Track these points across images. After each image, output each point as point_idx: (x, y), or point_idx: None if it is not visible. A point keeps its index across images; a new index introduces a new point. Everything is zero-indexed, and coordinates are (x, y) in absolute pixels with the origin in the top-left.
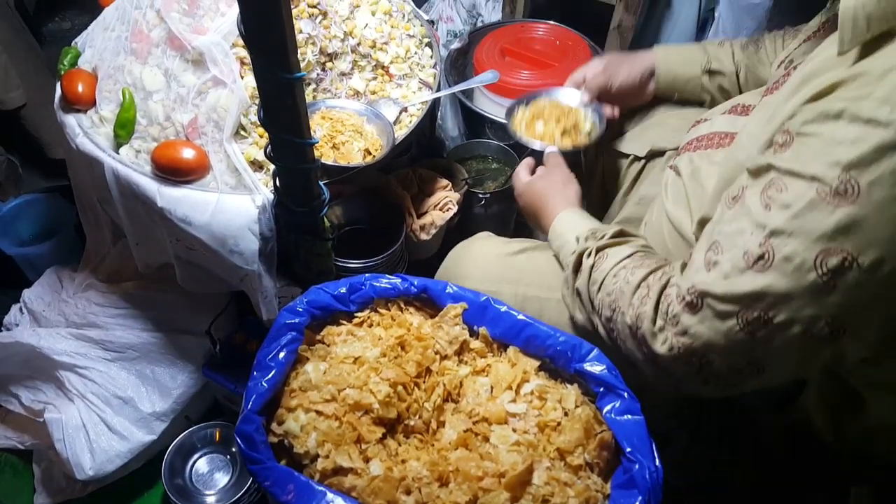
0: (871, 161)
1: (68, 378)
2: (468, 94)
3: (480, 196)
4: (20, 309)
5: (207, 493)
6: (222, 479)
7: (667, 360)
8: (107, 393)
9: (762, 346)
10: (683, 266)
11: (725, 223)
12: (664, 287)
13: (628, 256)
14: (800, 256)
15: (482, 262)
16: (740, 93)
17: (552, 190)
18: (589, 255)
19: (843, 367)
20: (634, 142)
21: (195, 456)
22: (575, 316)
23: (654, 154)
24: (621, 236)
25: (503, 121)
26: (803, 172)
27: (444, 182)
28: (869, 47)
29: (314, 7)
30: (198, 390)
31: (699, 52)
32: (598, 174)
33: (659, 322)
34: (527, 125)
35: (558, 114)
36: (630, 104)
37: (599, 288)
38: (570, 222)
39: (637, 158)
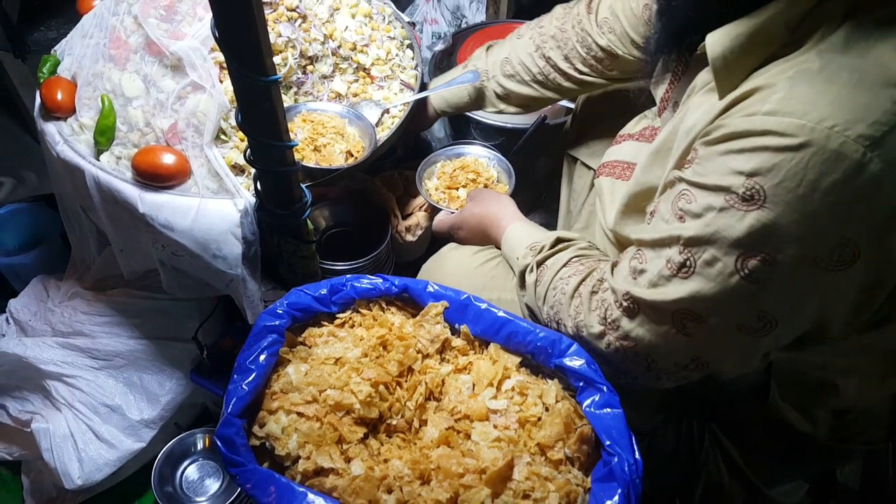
0: (773, 166)
1: (55, 387)
2: None
3: None
4: (6, 319)
5: (198, 499)
6: (213, 485)
7: (615, 361)
8: (94, 401)
9: (700, 344)
10: (613, 270)
11: (646, 233)
12: (594, 291)
13: (565, 265)
14: (720, 262)
15: (455, 273)
16: None
17: (491, 209)
18: (531, 270)
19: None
20: (583, 148)
21: (185, 463)
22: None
23: None
24: (558, 244)
25: (489, 122)
26: (709, 184)
27: None
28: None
29: (293, 11)
30: (186, 397)
31: (464, 97)
32: (567, 178)
33: (598, 327)
34: (450, 199)
35: (473, 173)
36: None
37: (544, 302)
38: (516, 237)
39: (585, 165)
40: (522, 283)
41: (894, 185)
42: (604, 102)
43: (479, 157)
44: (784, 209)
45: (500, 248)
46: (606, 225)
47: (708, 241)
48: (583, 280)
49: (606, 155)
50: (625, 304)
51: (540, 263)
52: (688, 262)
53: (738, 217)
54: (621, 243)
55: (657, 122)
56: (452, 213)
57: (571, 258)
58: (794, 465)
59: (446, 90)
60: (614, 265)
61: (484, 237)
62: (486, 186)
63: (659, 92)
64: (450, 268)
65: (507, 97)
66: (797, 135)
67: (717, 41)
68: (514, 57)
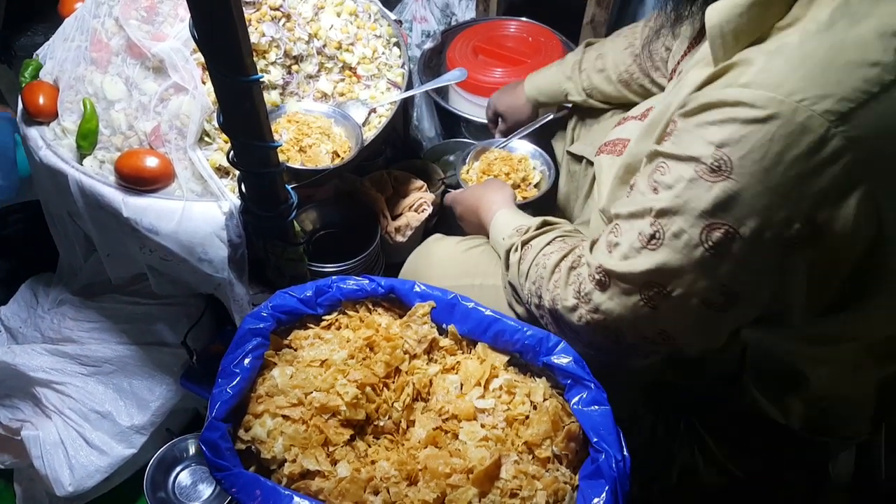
0: (740, 137)
1: (45, 394)
2: (443, 93)
3: None
4: None
5: None
6: (205, 490)
7: (587, 335)
8: (84, 408)
9: (666, 317)
10: (592, 245)
11: (623, 207)
12: (572, 267)
13: (549, 243)
14: (686, 233)
15: (440, 261)
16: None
17: (488, 194)
18: (515, 250)
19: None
20: (587, 145)
21: (177, 468)
22: (516, 309)
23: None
24: (544, 226)
25: (479, 120)
26: (682, 154)
27: (419, 183)
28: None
29: (276, 10)
30: (177, 402)
31: (556, 85)
32: (565, 177)
33: (573, 301)
34: (478, 179)
35: (508, 167)
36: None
37: (526, 278)
38: (503, 222)
39: (590, 162)
40: (507, 262)
41: (854, 162)
42: (605, 101)
43: (525, 155)
44: (748, 181)
45: (487, 231)
46: (600, 204)
47: (676, 212)
48: (564, 256)
49: (608, 136)
50: (597, 276)
51: (525, 243)
52: (657, 234)
53: (706, 188)
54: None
55: (654, 101)
56: None
57: (555, 237)
58: (771, 456)
59: (542, 79)
60: (594, 242)
61: (475, 216)
62: (515, 185)
63: (671, 63)
64: (435, 257)
65: (591, 92)
66: (766, 107)
67: (715, 11)
68: (609, 53)
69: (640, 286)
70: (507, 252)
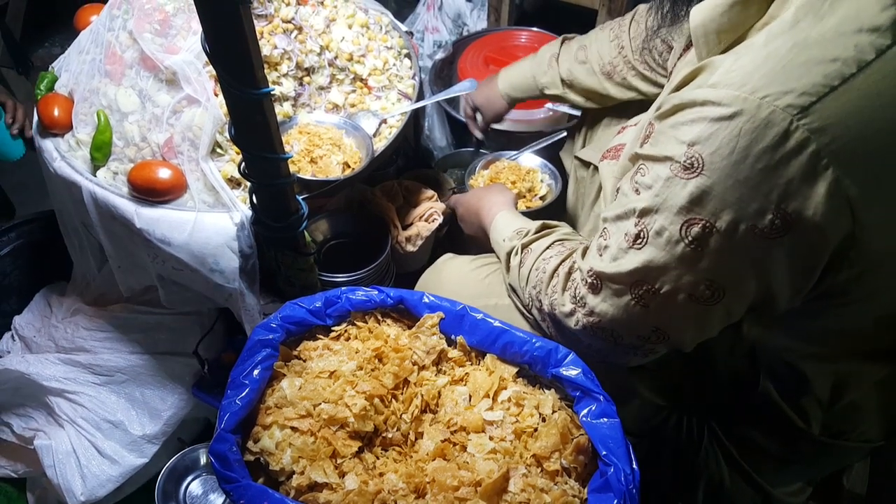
0: (710, 135)
1: (58, 404)
2: (454, 104)
3: None
4: (11, 336)
5: None
6: (217, 500)
7: (585, 338)
8: (96, 417)
9: (658, 314)
10: (584, 251)
11: (610, 211)
12: (569, 272)
13: (548, 247)
14: (668, 230)
15: (451, 283)
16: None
17: (489, 196)
18: (516, 253)
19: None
20: (596, 151)
21: (189, 478)
22: (523, 312)
23: None
24: (543, 230)
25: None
26: (658, 155)
27: (430, 193)
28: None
29: (288, 22)
30: (189, 412)
31: (530, 79)
32: (573, 184)
33: (570, 305)
34: (484, 185)
35: (515, 177)
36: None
37: (527, 283)
38: (503, 223)
39: (597, 168)
40: (508, 265)
41: (819, 152)
42: (616, 108)
43: (534, 167)
44: (719, 175)
45: (487, 231)
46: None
47: (657, 210)
48: (562, 261)
49: (610, 143)
50: (589, 280)
51: (525, 247)
52: (641, 234)
53: (681, 185)
54: None
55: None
56: None
57: (554, 241)
58: (794, 464)
59: (515, 73)
60: (586, 248)
61: (476, 217)
62: (519, 194)
63: (671, 64)
64: (447, 276)
65: (570, 82)
66: (732, 104)
67: (699, 11)
68: (592, 44)
69: (630, 286)
70: (508, 255)
